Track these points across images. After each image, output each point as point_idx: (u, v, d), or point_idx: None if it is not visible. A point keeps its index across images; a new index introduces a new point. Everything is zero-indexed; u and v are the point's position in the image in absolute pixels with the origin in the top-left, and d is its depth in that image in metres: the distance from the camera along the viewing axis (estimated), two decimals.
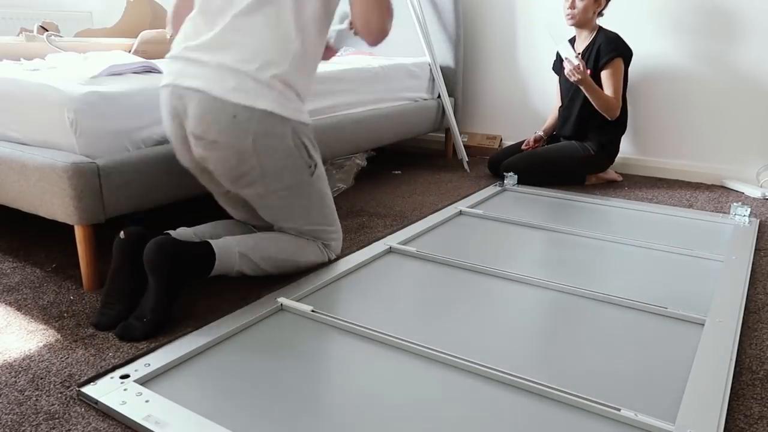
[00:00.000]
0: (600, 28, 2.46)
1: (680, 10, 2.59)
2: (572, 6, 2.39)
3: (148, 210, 1.64)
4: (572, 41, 2.53)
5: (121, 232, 1.33)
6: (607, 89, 2.41)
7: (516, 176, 2.52)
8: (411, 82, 2.73)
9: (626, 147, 2.84)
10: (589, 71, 2.40)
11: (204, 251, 1.34)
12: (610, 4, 2.49)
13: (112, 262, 1.32)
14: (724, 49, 2.53)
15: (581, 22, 2.42)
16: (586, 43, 2.46)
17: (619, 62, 2.39)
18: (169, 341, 1.20)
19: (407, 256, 1.70)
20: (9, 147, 1.51)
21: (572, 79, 2.32)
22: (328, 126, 2.15)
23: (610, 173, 2.65)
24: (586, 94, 2.39)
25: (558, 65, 2.64)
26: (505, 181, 2.51)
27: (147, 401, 1.00)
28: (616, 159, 2.86)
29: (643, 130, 2.80)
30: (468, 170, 2.83)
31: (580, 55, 2.39)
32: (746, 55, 2.50)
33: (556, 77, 2.69)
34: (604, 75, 2.41)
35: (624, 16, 2.69)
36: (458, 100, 3.14)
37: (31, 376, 1.12)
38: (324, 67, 2.20)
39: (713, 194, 2.47)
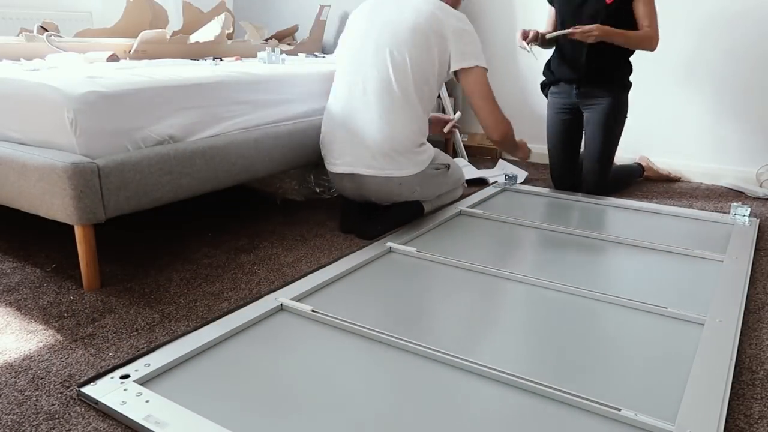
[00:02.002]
0: None
1: (679, 11, 2.59)
2: None
3: (148, 210, 1.64)
4: None
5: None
6: (644, 18, 2.17)
7: (516, 176, 2.52)
8: None
9: (626, 147, 2.84)
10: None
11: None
12: None
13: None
14: (724, 48, 2.53)
15: None
16: None
17: None
18: (169, 341, 1.20)
19: (407, 256, 1.70)
20: (9, 147, 1.51)
21: (590, 40, 2.14)
22: None
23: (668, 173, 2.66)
24: (617, 43, 2.17)
25: None
26: (504, 181, 2.52)
27: (147, 401, 1.00)
28: (622, 159, 2.86)
29: (644, 130, 2.80)
30: None
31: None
32: (746, 54, 2.50)
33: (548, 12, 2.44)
34: (640, 2, 2.16)
35: None
36: (458, 100, 3.14)
37: (31, 376, 1.12)
38: (320, 66, 2.20)
39: (713, 194, 2.47)
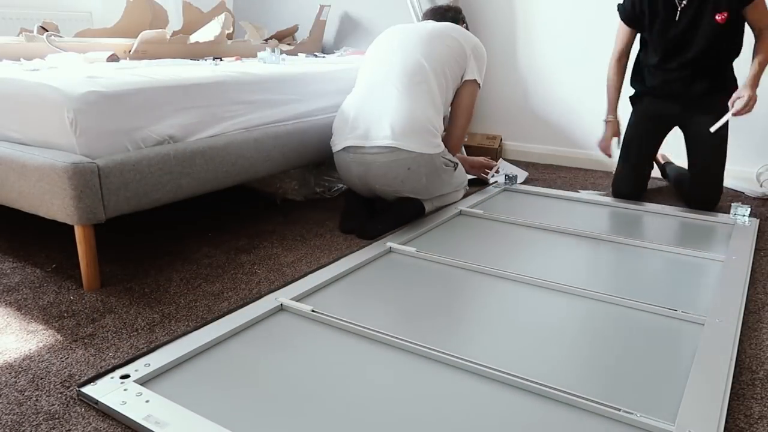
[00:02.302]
0: None
1: None
2: None
3: (148, 210, 1.64)
4: None
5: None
6: (763, 19, 2.03)
7: (516, 176, 2.52)
8: None
9: None
10: (723, 16, 2.02)
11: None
12: None
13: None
14: None
15: None
16: None
17: None
18: (169, 341, 1.20)
19: (407, 256, 1.70)
20: (9, 147, 1.51)
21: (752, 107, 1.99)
22: (329, 126, 2.14)
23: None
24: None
25: (632, 13, 2.18)
26: (504, 181, 2.52)
27: (147, 401, 1.00)
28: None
29: None
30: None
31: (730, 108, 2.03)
32: (746, 54, 2.50)
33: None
34: (754, 9, 2.01)
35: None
36: None
37: (31, 376, 1.12)
38: (321, 66, 2.20)
39: None
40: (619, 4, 2.24)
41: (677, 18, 2.09)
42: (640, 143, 2.28)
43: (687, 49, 2.11)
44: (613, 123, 2.33)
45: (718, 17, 2.04)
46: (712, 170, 2.17)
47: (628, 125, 2.33)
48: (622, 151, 2.33)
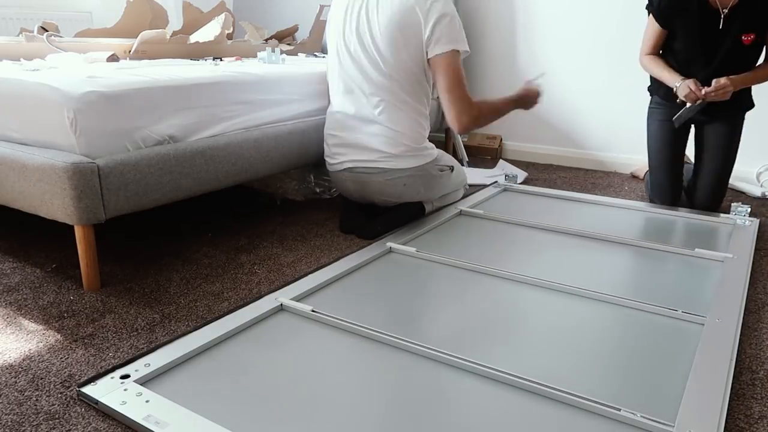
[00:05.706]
0: None
1: None
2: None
3: (148, 210, 1.64)
4: None
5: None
6: None
7: (516, 176, 2.52)
8: None
9: (625, 147, 2.84)
10: (750, 37, 1.99)
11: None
12: None
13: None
14: None
15: None
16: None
17: None
18: (169, 341, 1.20)
19: (407, 256, 1.70)
20: (9, 147, 1.51)
21: (726, 98, 1.98)
22: None
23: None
24: (746, 85, 2.03)
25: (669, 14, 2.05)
26: (504, 181, 2.52)
27: (147, 401, 1.00)
28: (623, 159, 2.86)
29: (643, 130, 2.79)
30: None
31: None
32: None
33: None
34: None
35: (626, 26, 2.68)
36: None
37: (31, 376, 1.12)
38: (320, 66, 2.20)
39: None
40: (649, 3, 2.11)
41: (720, 27, 2.00)
42: (670, 152, 2.19)
43: (709, 63, 2.05)
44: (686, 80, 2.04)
45: (744, 38, 2.00)
46: (719, 176, 2.13)
47: (651, 135, 2.24)
48: (654, 161, 2.24)
